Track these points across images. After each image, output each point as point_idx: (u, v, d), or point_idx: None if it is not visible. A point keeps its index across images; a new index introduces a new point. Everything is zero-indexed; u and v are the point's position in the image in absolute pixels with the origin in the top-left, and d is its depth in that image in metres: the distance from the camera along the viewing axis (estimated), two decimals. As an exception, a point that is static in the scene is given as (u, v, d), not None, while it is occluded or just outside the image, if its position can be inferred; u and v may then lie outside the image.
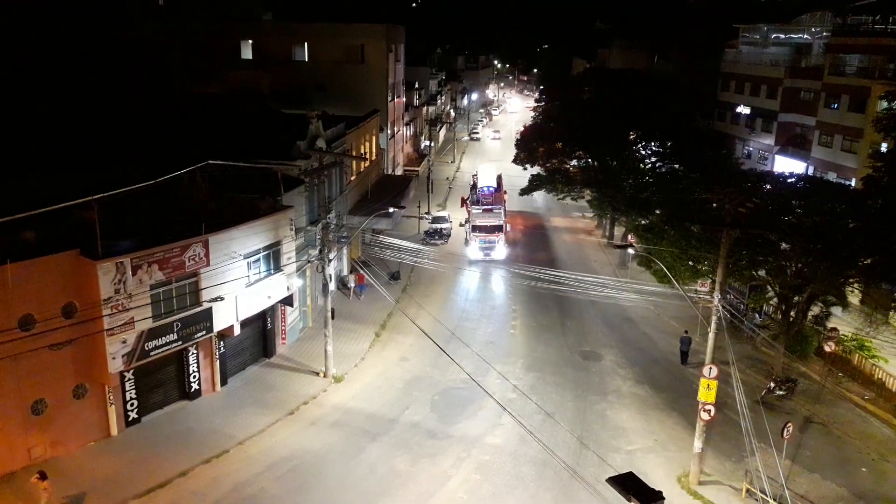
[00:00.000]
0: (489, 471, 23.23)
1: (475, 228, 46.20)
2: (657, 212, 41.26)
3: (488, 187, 49.55)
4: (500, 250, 46.13)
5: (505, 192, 51.76)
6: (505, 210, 48.56)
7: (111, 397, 23.27)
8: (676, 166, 47.07)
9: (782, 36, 58.51)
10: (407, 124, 72.87)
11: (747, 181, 32.53)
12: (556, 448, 23.21)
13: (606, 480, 11.12)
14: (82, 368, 22.15)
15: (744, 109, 56.60)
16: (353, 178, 42.09)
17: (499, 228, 46.39)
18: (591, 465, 23.30)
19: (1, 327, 19.44)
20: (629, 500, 10.63)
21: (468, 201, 49.73)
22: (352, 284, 38.21)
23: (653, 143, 49.73)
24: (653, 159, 49.72)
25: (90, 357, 21.94)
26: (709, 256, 29.07)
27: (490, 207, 47.00)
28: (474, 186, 52.25)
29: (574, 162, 53.22)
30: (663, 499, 10.60)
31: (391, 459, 23.54)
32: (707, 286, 32.96)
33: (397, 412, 26.68)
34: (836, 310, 31.66)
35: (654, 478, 22.47)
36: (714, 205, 29.08)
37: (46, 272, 20.68)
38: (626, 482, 10.89)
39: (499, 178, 52.73)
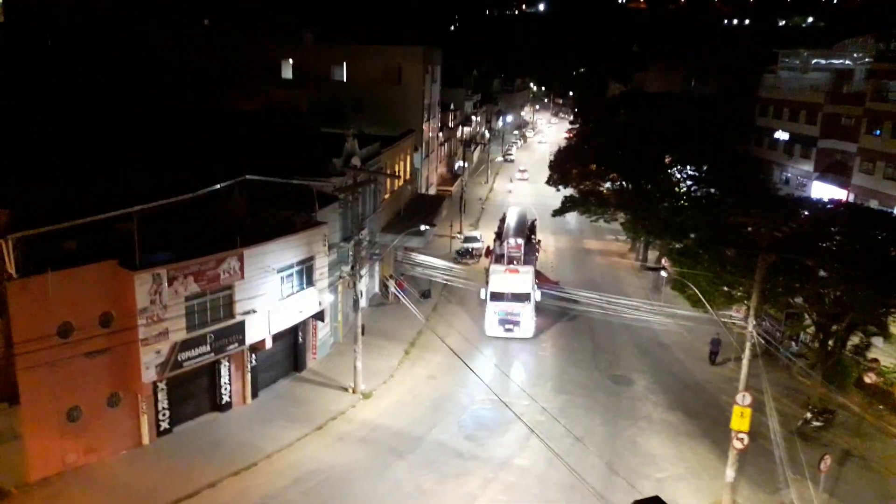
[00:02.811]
0: (515, 493, 22.98)
1: (493, 296, 35.13)
2: (692, 236, 40.71)
3: (517, 238, 37.56)
4: (528, 325, 35.02)
5: (539, 242, 43.51)
6: (535, 268, 38.24)
7: (144, 407, 23.62)
8: (712, 190, 46.56)
9: (823, 61, 57.71)
10: (441, 144, 73.38)
11: (785, 206, 31.99)
12: (585, 473, 22.84)
13: (633, 504, 10.96)
14: (117, 377, 22.54)
15: (782, 135, 55.79)
16: (386, 196, 42.46)
17: (525, 297, 35.17)
18: (620, 492, 22.85)
19: (41, 334, 19.96)
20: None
21: (492, 253, 39.15)
22: (393, 289, 38.48)
23: (688, 167, 49.28)
24: (688, 183, 49.25)
25: (125, 366, 22.35)
26: (744, 282, 28.56)
27: (515, 267, 35.72)
28: (500, 235, 40.81)
29: (608, 184, 52.89)
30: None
31: (417, 478, 23.43)
32: (742, 312, 32.41)
33: (424, 430, 26.61)
34: (878, 340, 30.82)
35: (685, 506, 22.01)
36: (749, 229, 28.64)
37: (86, 281, 21.15)
38: (654, 507, 10.72)
39: (532, 224, 44.46)
